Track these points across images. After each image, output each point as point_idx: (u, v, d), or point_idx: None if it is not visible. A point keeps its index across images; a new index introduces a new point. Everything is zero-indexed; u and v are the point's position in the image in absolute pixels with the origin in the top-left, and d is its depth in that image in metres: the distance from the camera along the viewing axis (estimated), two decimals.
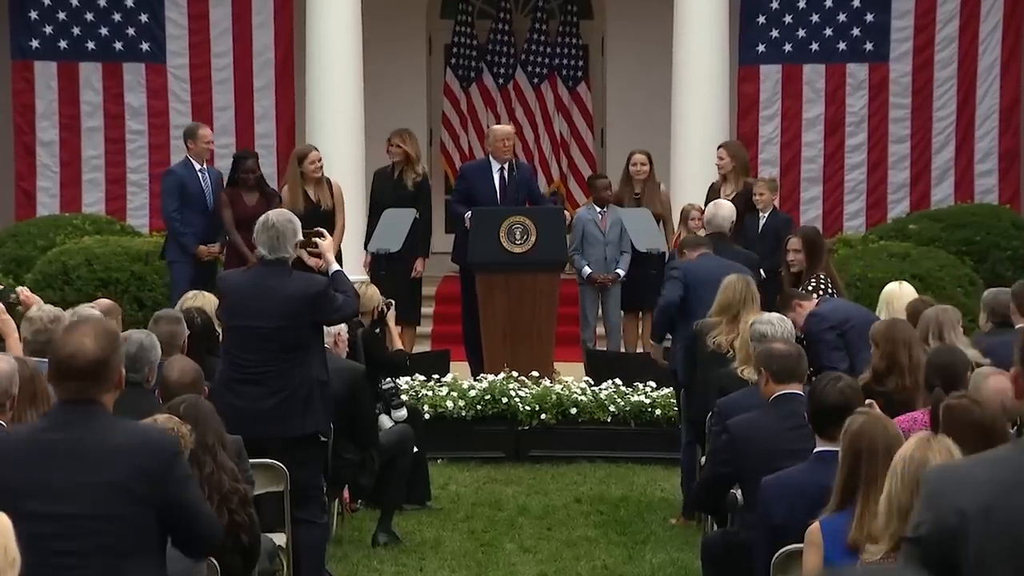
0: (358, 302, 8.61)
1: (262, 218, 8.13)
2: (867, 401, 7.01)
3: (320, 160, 13.43)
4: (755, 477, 6.41)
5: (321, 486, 8.26)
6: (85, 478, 4.51)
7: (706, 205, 14.04)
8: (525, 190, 13.84)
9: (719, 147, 14.34)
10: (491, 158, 13.78)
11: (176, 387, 6.66)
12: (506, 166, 13.67)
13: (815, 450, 6.16)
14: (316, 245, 8.33)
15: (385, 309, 10.49)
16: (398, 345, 10.74)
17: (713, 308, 9.44)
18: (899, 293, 9.55)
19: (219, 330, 8.49)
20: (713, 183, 14.21)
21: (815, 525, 5.46)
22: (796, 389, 7.00)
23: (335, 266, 8.35)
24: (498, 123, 18.02)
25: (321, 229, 8.54)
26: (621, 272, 14.12)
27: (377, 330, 10.42)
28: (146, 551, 4.58)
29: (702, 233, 13.85)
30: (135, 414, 5.44)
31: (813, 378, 6.88)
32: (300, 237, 8.11)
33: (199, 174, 13.70)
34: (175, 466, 4.60)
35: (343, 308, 8.13)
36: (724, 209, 11.80)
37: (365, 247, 13.88)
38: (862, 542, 5.27)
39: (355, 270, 13.81)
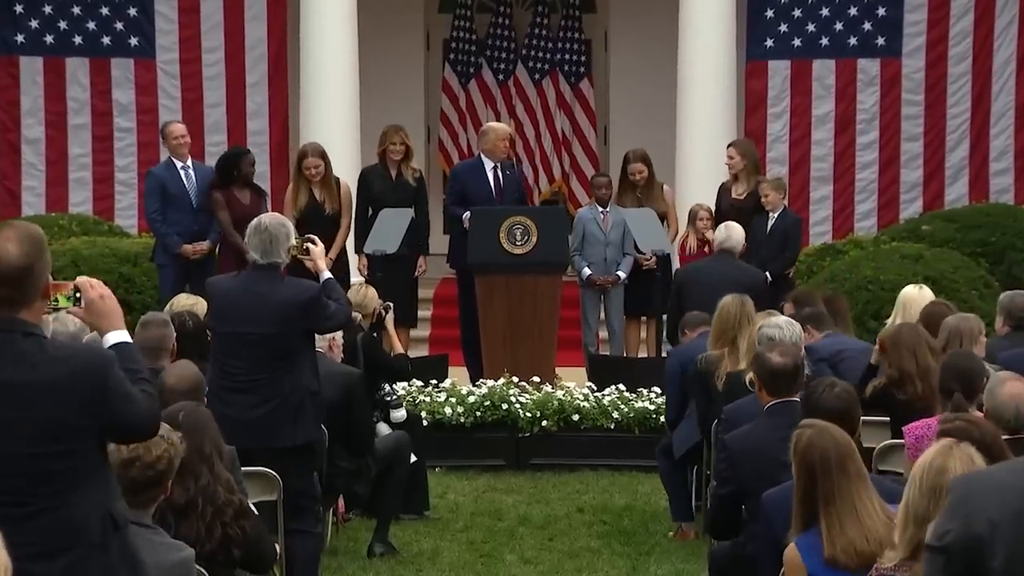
0: (350, 310, 8.61)
1: (254, 222, 8.14)
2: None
3: (318, 165, 13.36)
4: (757, 490, 6.44)
5: (315, 495, 8.25)
6: (19, 415, 4.42)
7: (717, 206, 14.07)
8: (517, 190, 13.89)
9: (729, 146, 14.33)
10: (484, 157, 13.73)
11: (171, 393, 6.63)
12: (499, 165, 13.65)
13: None
14: (308, 251, 8.34)
15: (384, 312, 10.48)
16: (398, 349, 10.74)
17: (710, 337, 9.31)
18: (917, 297, 9.52)
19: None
20: (724, 183, 14.19)
21: (791, 548, 5.51)
22: (792, 396, 7.00)
23: (327, 274, 8.38)
24: (497, 120, 18.03)
25: (312, 236, 8.56)
26: (622, 274, 14.05)
27: (374, 333, 10.40)
28: (90, 476, 4.50)
29: (710, 236, 13.87)
30: None
31: None
32: (293, 242, 8.11)
33: (181, 172, 13.68)
34: (110, 388, 4.49)
35: (336, 316, 8.14)
36: (736, 232, 12.11)
37: (356, 251, 13.83)
38: (839, 557, 5.35)
39: (353, 272, 13.80)
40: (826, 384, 6.44)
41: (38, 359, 4.47)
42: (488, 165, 13.64)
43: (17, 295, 4.49)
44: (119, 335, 4.72)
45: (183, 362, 7.12)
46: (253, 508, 6.42)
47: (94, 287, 4.78)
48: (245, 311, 7.92)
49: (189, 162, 13.81)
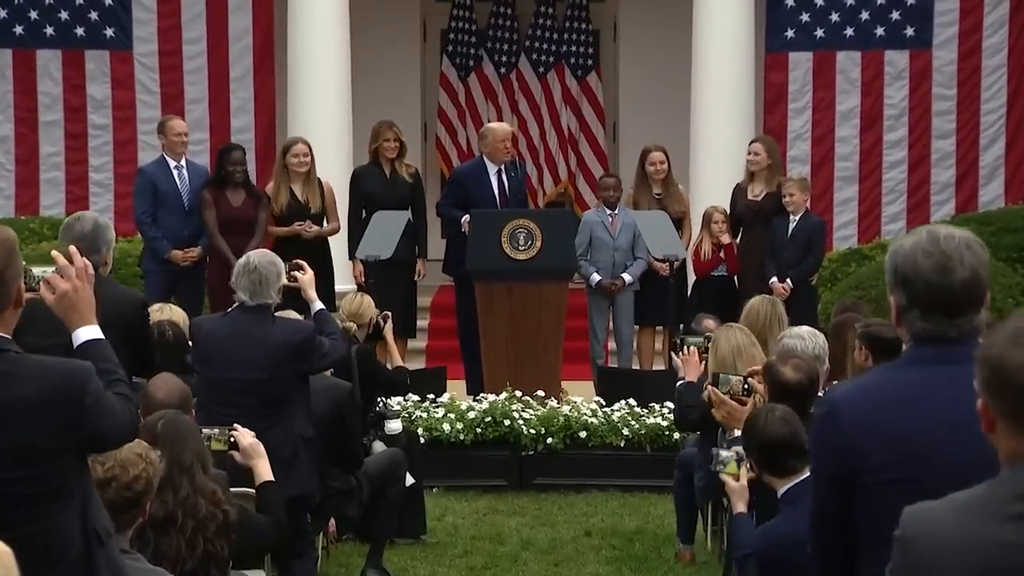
0: (344, 345, 8.67)
1: (242, 260, 8.19)
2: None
3: (306, 155, 13.45)
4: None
5: (306, 532, 8.31)
6: None
7: (731, 207, 14.09)
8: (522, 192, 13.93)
9: (753, 141, 14.33)
10: (486, 160, 13.76)
11: (160, 408, 6.65)
12: (503, 167, 13.68)
13: (780, 493, 6.20)
14: (295, 279, 8.40)
15: (382, 322, 10.50)
16: (397, 361, 10.77)
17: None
18: None
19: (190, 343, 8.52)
20: (739, 183, 14.20)
21: None
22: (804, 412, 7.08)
23: (318, 304, 8.46)
24: (499, 117, 18.11)
25: (300, 262, 8.61)
26: (628, 277, 14.05)
27: (368, 345, 10.43)
28: (73, 493, 4.51)
29: (725, 240, 13.87)
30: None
31: None
32: (284, 281, 8.19)
33: (174, 171, 13.70)
34: (88, 406, 4.45)
35: (331, 354, 8.28)
36: None
37: (350, 256, 13.85)
38: None
39: (345, 279, 13.82)
40: (766, 411, 6.41)
41: (11, 379, 4.44)
42: (492, 169, 13.66)
43: None
44: (90, 331, 4.65)
45: (169, 376, 7.12)
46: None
47: (68, 278, 4.66)
48: (234, 355, 8.00)
49: (183, 161, 13.81)
